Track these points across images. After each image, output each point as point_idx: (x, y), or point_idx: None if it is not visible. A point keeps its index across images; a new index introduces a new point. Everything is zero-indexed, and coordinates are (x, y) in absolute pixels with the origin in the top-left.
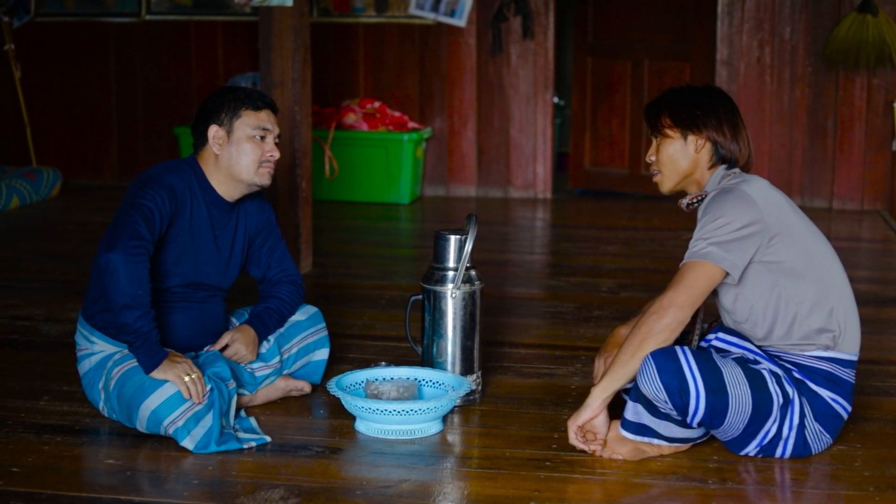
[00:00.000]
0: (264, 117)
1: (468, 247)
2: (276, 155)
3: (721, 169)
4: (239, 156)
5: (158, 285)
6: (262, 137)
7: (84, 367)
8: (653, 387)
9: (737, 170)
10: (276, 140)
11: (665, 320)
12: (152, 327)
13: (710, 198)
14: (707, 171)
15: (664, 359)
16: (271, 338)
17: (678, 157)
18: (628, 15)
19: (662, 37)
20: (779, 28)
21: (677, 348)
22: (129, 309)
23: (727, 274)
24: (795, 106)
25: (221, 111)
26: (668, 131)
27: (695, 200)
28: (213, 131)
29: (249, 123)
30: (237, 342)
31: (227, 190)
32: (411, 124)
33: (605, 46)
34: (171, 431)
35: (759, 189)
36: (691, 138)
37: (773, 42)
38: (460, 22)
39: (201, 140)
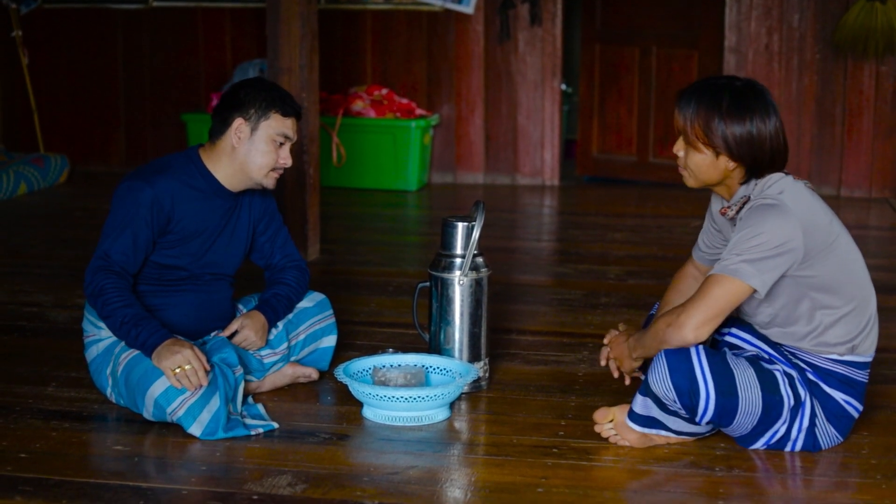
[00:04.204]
0: (290, 124)
1: (476, 234)
2: (289, 163)
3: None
4: (256, 154)
5: (165, 272)
6: (282, 144)
7: (91, 353)
8: (663, 386)
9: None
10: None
11: (679, 339)
12: (133, 325)
13: (752, 209)
14: (738, 183)
15: (677, 359)
16: (280, 324)
17: (707, 169)
18: (636, 2)
19: (671, 24)
20: (787, 15)
21: (691, 348)
22: (106, 319)
23: (755, 290)
24: (803, 93)
25: (251, 106)
26: (699, 144)
27: (739, 208)
28: (238, 123)
29: (275, 127)
30: (247, 328)
31: (233, 182)
32: (419, 111)
33: (613, 33)
34: (175, 419)
35: (799, 202)
36: (723, 158)
37: (782, 29)
38: (468, 9)
39: (222, 127)
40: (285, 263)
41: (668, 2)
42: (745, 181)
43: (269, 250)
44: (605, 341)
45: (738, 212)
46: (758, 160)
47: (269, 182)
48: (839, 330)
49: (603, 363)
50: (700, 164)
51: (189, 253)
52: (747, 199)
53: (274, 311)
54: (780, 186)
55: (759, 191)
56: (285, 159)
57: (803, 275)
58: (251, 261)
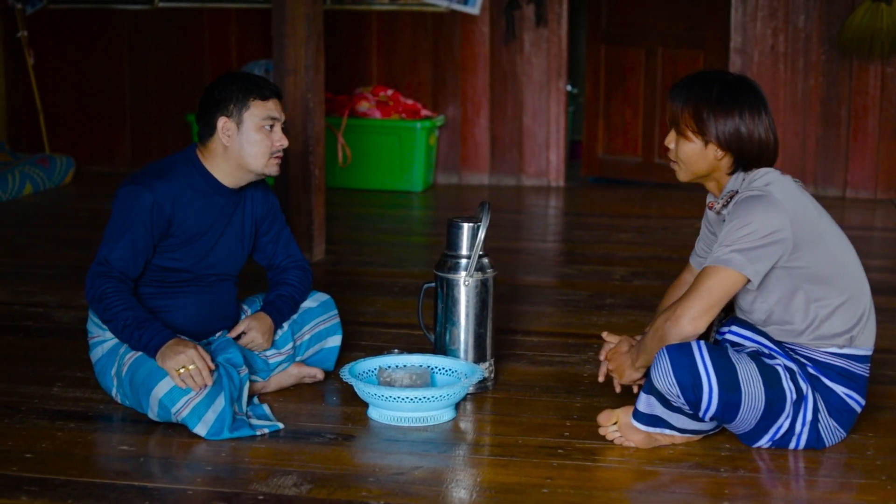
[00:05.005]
0: (272, 106)
1: (481, 234)
2: (285, 143)
3: (741, 171)
4: (249, 146)
5: (168, 275)
6: (271, 127)
7: (96, 354)
8: (666, 382)
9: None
10: (283, 126)
11: (677, 332)
12: (136, 327)
13: (740, 201)
14: (726, 175)
15: (678, 354)
16: (285, 325)
17: (696, 159)
18: (642, 2)
19: (676, 24)
20: (793, 16)
21: (692, 343)
22: (108, 323)
23: (748, 280)
24: (809, 94)
25: (230, 102)
26: (689, 133)
27: (726, 202)
28: (223, 123)
29: (259, 114)
30: (253, 330)
31: (234, 179)
32: (424, 112)
33: (618, 34)
34: (180, 419)
35: (787, 193)
36: (712, 147)
37: (787, 30)
38: (473, 9)
39: (208, 131)
40: (288, 264)
41: (674, 3)
42: (733, 171)
43: (272, 250)
44: (602, 357)
45: (724, 206)
46: (745, 150)
47: (272, 169)
48: (836, 321)
49: (601, 379)
50: (689, 153)
51: (192, 254)
52: (735, 193)
53: (279, 312)
54: (768, 179)
55: (746, 184)
56: (280, 141)
57: (794, 266)
58: (254, 260)
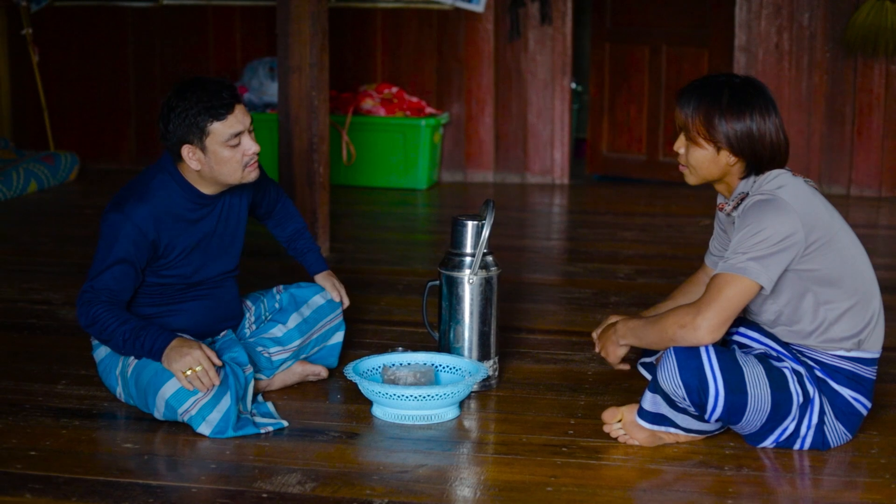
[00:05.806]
0: (233, 121)
1: (485, 232)
2: (257, 149)
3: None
4: (220, 165)
5: (167, 289)
6: (238, 142)
7: (100, 354)
8: (672, 383)
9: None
10: (250, 129)
11: (693, 339)
12: (135, 337)
13: (750, 205)
14: (738, 179)
15: (686, 356)
16: (292, 323)
17: (708, 165)
18: (646, 0)
19: (680, 22)
20: (797, 14)
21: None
22: (107, 342)
23: (762, 287)
24: (814, 92)
25: (189, 133)
26: (700, 140)
27: (736, 204)
28: (187, 151)
29: (221, 135)
30: (341, 289)
31: (215, 189)
32: (429, 110)
33: (623, 32)
34: (185, 419)
35: (798, 196)
36: (724, 153)
37: (792, 28)
38: (478, 7)
39: (176, 157)
40: (295, 224)
41: (678, 1)
42: (745, 176)
43: (273, 209)
44: (598, 350)
45: (735, 208)
46: (758, 155)
47: (250, 177)
48: (844, 325)
49: (623, 366)
50: (701, 159)
51: (189, 267)
52: (745, 196)
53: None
54: (779, 182)
55: (757, 187)
56: (251, 149)
57: (804, 269)
58: (269, 230)
